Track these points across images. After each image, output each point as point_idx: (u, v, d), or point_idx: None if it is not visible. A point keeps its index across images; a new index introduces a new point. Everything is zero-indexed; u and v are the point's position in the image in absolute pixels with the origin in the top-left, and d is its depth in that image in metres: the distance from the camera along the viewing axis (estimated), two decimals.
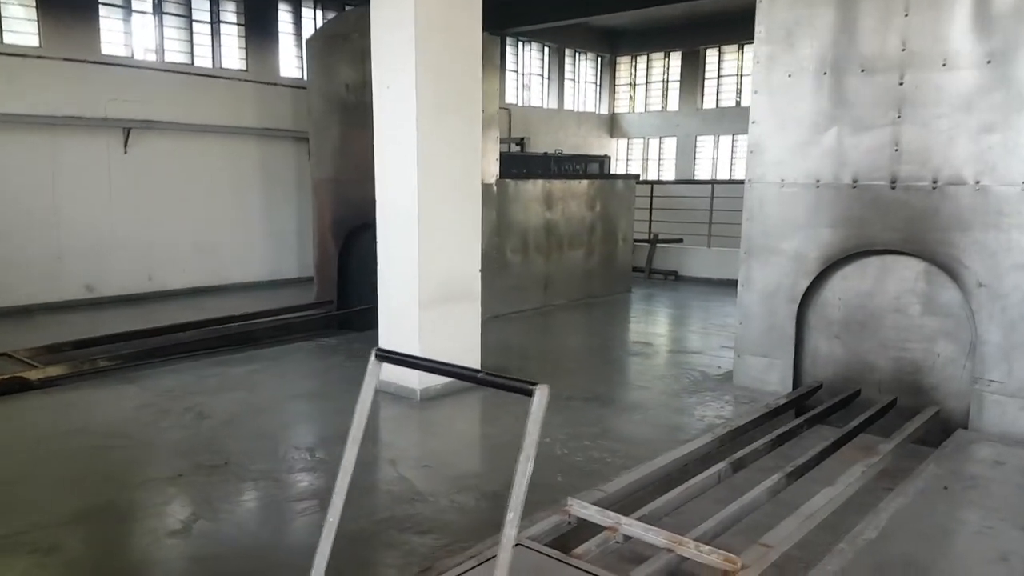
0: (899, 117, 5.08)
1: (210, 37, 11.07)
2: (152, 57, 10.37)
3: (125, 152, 9.87)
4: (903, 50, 5.03)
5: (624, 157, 22.07)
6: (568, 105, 20.59)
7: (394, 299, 5.73)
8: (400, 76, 5.39)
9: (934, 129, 4.94)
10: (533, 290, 9.45)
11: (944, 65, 4.87)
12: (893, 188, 5.12)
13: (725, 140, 20.21)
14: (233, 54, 11.33)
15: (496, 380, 2.04)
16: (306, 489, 4.04)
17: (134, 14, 10.14)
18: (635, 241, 11.51)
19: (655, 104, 21.37)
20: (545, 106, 19.88)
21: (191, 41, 10.86)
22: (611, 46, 21.38)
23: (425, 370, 2.32)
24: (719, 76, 20.06)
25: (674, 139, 21.01)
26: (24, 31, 9.17)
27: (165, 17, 10.53)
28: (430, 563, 3.05)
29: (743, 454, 4.00)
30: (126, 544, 3.52)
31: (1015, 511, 3.57)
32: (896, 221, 5.12)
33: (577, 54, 20.77)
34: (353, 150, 8.19)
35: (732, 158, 20.10)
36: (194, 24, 10.88)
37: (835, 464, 4.03)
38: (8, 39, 9.00)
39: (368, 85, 7.46)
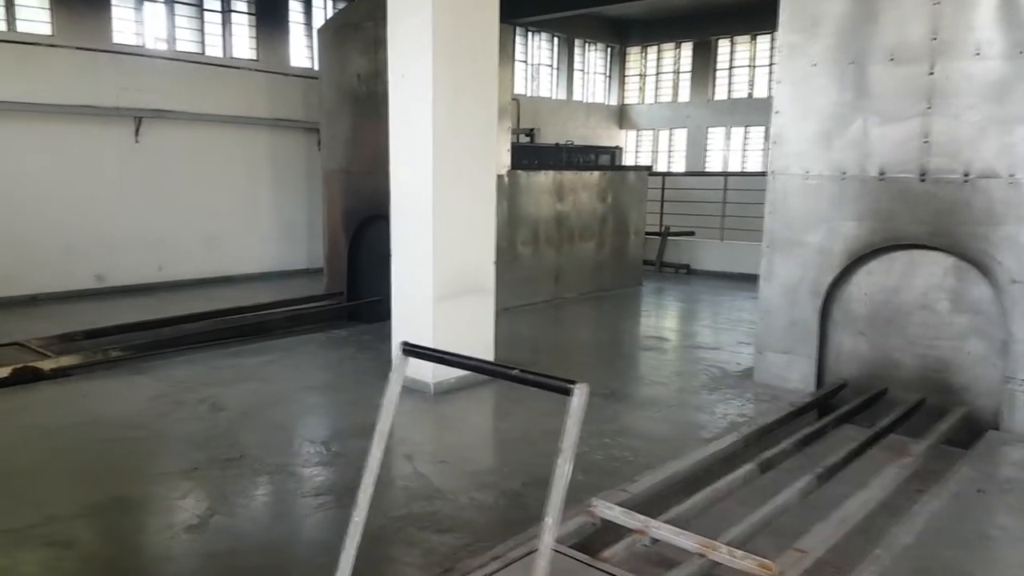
0: (929, 108, 4.94)
1: (221, 26, 10.98)
2: (163, 46, 10.30)
3: (136, 141, 9.80)
4: (934, 39, 4.89)
5: (633, 149, 21.91)
6: (577, 96, 20.42)
7: (408, 291, 5.64)
8: (416, 64, 5.28)
9: (966, 121, 4.80)
10: (544, 282, 9.33)
11: (977, 54, 4.73)
12: (923, 181, 4.99)
13: (737, 132, 20.01)
14: (244, 44, 11.25)
15: (532, 378, 1.95)
16: (322, 484, 3.98)
17: (145, 3, 10.06)
18: (646, 234, 11.38)
19: (665, 95, 21.18)
20: (554, 97, 19.72)
21: (202, 30, 10.77)
22: (621, 36, 21.17)
23: (455, 366, 2.23)
24: (731, 67, 19.86)
25: (684, 131, 20.83)
26: (37, 19, 9.12)
27: (176, 6, 10.44)
28: (452, 564, 2.96)
29: (771, 455, 3.89)
30: (143, 539, 3.46)
31: None
32: (925, 215, 4.99)
33: (587, 44, 20.59)
34: (364, 141, 8.10)
35: (744, 150, 19.92)
36: (205, 13, 10.79)
37: (865, 465, 3.92)
38: (21, 27, 8.95)
39: (380, 75, 7.38)
